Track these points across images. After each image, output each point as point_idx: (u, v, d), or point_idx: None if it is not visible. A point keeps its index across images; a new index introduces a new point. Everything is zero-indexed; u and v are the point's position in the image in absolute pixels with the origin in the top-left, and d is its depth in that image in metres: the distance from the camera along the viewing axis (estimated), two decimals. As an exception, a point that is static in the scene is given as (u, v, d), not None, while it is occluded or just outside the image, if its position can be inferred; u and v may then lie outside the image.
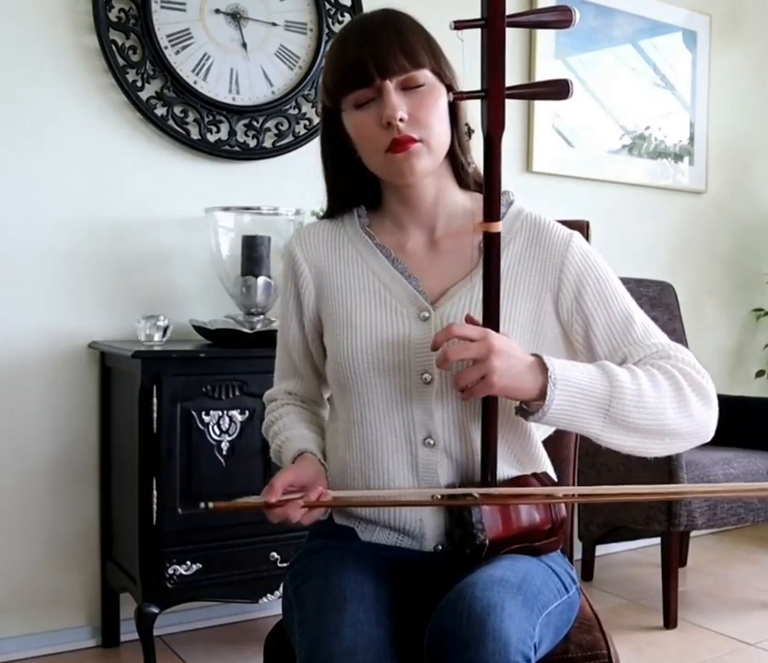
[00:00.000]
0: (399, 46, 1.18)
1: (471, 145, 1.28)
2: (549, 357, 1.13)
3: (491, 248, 1.13)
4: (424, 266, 1.27)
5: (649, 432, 1.15)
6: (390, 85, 1.18)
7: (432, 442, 1.22)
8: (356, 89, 1.19)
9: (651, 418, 1.14)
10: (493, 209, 1.11)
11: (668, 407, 1.15)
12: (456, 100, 1.17)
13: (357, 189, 1.31)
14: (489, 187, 1.11)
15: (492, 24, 1.06)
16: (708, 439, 1.21)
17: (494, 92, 1.08)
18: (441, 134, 1.22)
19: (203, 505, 1.11)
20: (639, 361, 1.20)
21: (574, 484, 1.50)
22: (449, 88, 1.23)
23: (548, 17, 1.11)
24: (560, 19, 1.10)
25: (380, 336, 1.23)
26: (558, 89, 1.09)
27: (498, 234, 1.12)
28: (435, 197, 1.27)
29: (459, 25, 1.06)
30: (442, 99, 1.21)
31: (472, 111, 1.23)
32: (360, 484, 1.25)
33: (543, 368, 1.12)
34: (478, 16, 1.08)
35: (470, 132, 1.26)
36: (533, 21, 1.13)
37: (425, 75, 1.20)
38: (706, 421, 1.19)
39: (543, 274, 1.24)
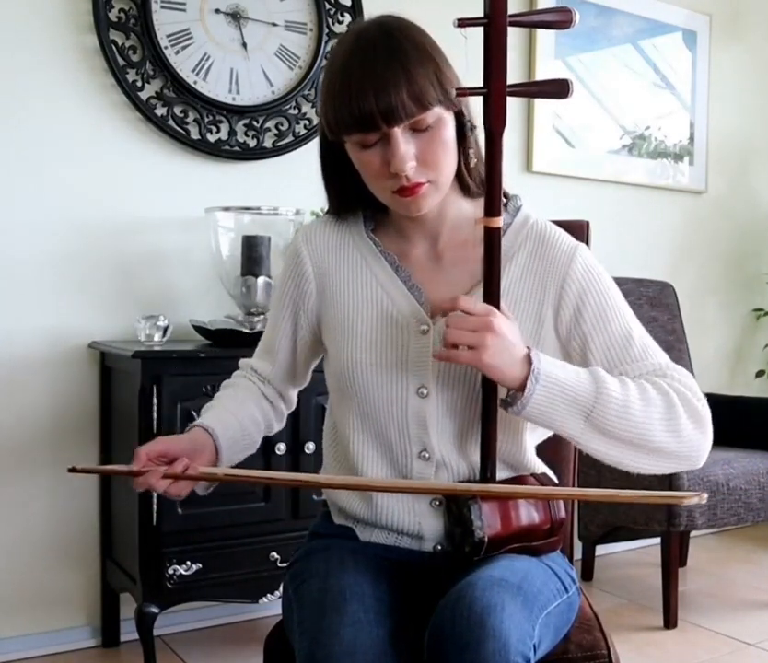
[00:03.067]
0: (406, 89, 1.11)
1: (474, 142, 1.24)
2: (539, 353, 1.12)
3: (492, 243, 1.13)
4: (427, 277, 1.26)
5: (632, 444, 1.13)
6: (398, 131, 1.13)
7: (427, 456, 1.21)
8: (361, 134, 1.14)
9: (634, 431, 1.12)
10: (493, 204, 1.12)
11: (655, 422, 1.12)
12: (458, 96, 1.15)
13: (360, 197, 1.28)
14: (490, 182, 1.12)
15: (494, 22, 1.08)
16: (699, 465, 1.17)
17: (495, 89, 1.09)
18: (450, 168, 1.20)
19: (69, 469, 1.13)
20: (635, 377, 1.18)
21: (574, 485, 1.50)
22: (458, 114, 1.20)
23: (549, 17, 1.12)
24: (560, 20, 1.11)
25: (379, 347, 1.22)
26: (559, 89, 1.10)
27: (499, 229, 1.12)
28: (439, 209, 1.25)
29: (463, 23, 1.07)
30: (449, 130, 1.18)
31: (475, 107, 1.22)
32: (357, 491, 1.25)
33: (528, 362, 1.11)
34: (480, 14, 1.09)
35: (473, 127, 1.24)
36: (534, 21, 1.15)
37: (434, 113, 1.14)
38: (697, 445, 1.15)
39: (545, 290, 1.22)
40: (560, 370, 1.12)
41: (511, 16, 1.09)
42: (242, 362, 1.41)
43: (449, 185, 1.22)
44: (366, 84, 1.12)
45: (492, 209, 1.12)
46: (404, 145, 1.14)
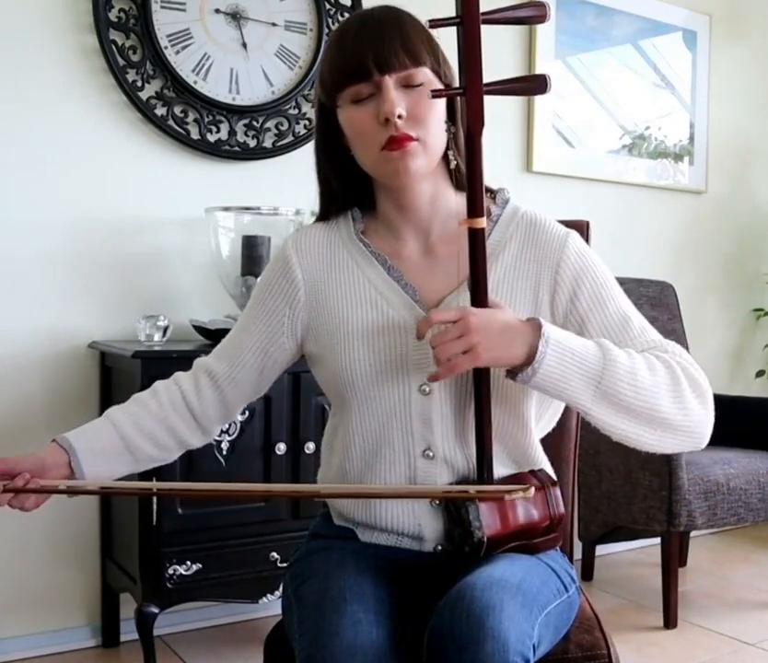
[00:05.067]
0: (400, 42, 1.16)
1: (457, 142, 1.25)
2: (544, 320, 1.12)
3: (476, 243, 1.12)
4: (420, 273, 1.25)
5: (641, 416, 1.13)
6: (390, 80, 1.16)
7: (431, 454, 1.21)
8: (354, 84, 1.17)
9: (643, 399, 1.12)
10: (476, 205, 1.11)
11: (662, 393, 1.13)
12: (434, 98, 1.14)
13: (350, 190, 1.29)
14: (471, 183, 1.11)
15: (467, 21, 1.06)
16: (703, 444, 1.17)
17: (472, 89, 1.08)
18: (438, 134, 1.20)
19: None
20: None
21: (574, 484, 1.50)
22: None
23: (523, 12, 1.10)
24: (534, 15, 1.10)
25: (378, 348, 1.22)
26: (536, 84, 1.09)
27: (483, 229, 1.12)
28: (430, 201, 1.25)
29: (435, 24, 1.06)
30: (440, 100, 1.19)
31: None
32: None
33: (537, 329, 1.11)
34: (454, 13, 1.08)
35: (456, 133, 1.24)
36: (508, 17, 1.11)
37: (425, 73, 1.18)
38: (702, 420, 1.16)
39: (539, 278, 1.23)
40: (568, 337, 1.13)
41: (484, 13, 1.07)
42: (197, 362, 1.36)
43: (437, 158, 1.22)
44: (362, 38, 1.16)
45: (474, 210, 1.11)
46: (395, 93, 1.16)
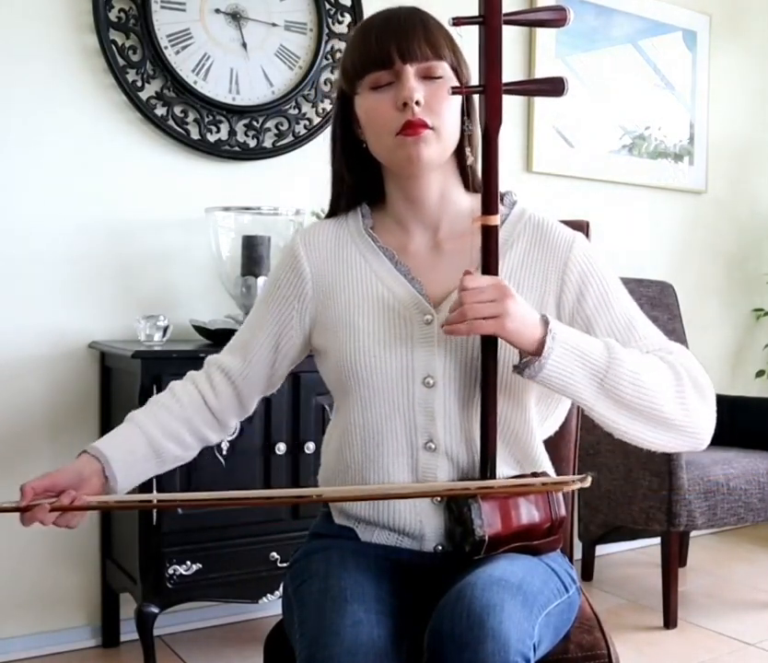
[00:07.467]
0: (423, 34, 1.19)
1: (472, 140, 1.28)
2: (551, 317, 1.14)
3: (489, 241, 1.14)
4: (427, 268, 1.27)
5: (642, 414, 1.15)
6: (411, 69, 1.19)
7: (433, 446, 1.22)
8: (376, 70, 1.20)
9: (646, 399, 1.14)
10: (490, 202, 1.13)
11: (665, 393, 1.15)
12: (454, 94, 1.18)
13: (361, 184, 1.31)
14: (486, 180, 1.13)
15: (489, 21, 1.10)
16: (704, 445, 1.19)
17: (491, 87, 1.11)
18: (452, 127, 1.23)
19: None
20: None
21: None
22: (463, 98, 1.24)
23: (544, 15, 1.15)
24: (555, 18, 1.13)
25: (383, 340, 1.23)
26: (554, 87, 1.12)
27: (496, 227, 1.13)
28: (439, 196, 1.27)
29: (458, 21, 1.09)
30: (456, 97, 1.22)
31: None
32: (359, 485, 1.25)
33: (545, 324, 1.12)
34: (476, 13, 1.11)
35: (471, 128, 1.26)
36: (530, 20, 1.17)
37: (444, 67, 1.21)
38: (703, 422, 1.18)
39: (546, 278, 1.24)
40: (574, 334, 1.14)
41: (506, 14, 1.10)
42: (209, 359, 1.37)
43: (449, 151, 1.24)
44: (387, 29, 1.21)
45: (489, 207, 1.13)
46: (414, 80, 1.19)
